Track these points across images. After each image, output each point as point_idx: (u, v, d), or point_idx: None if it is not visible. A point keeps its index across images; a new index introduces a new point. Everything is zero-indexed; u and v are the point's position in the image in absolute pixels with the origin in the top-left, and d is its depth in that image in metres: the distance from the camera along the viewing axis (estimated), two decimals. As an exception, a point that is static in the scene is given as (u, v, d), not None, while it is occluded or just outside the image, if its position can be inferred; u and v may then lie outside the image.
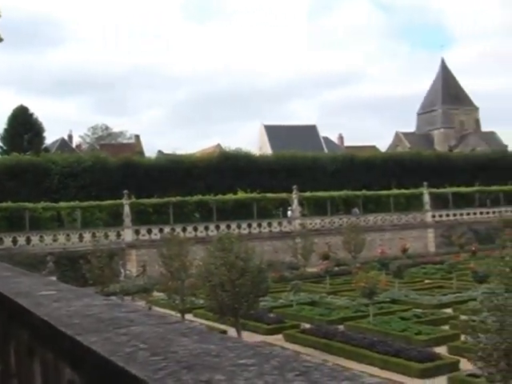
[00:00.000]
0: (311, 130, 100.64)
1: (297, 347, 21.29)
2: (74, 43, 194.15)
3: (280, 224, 53.34)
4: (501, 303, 9.69)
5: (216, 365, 1.69)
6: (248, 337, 22.41)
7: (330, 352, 20.41)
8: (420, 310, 26.44)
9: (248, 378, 1.53)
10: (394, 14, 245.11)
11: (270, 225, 52.47)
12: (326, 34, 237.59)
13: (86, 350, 2.13)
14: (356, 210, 59.26)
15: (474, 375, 14.57)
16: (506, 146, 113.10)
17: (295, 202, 54.39)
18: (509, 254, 10.22)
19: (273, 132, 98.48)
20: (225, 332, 24.17)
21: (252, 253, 22.15)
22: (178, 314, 26.11)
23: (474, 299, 19.70)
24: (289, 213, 56.35)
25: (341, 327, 23.91)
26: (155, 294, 34.00)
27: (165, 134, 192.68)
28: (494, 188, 68.56)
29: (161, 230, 47.00)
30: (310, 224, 53.24)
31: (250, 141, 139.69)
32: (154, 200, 52.01)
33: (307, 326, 24.50)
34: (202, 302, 27.38)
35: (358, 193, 60.09)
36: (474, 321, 11.27)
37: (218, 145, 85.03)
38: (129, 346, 2.03)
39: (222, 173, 59.03)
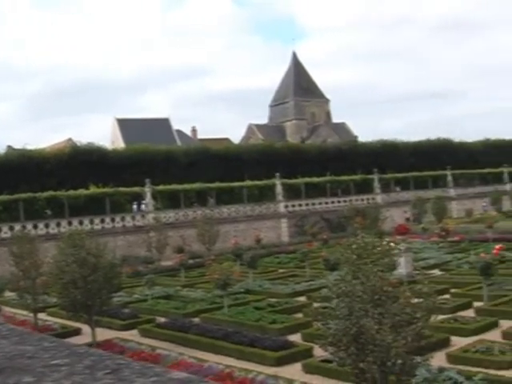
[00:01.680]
0: (164, 123, 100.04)
1: (153, 342, 21.06)
2: None
3: (133, 218, 52.65)
4: (349, 289, 9.89)
5: (27, 367, 1.56)
6: (102, 333, 21.99)
7: (186, 345, 20.29)
8: (274, 300, 26.73)
9: (57, 378, 1.42)
10: (247, 7, 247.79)
11: (123, 219, 51.69)
12: (179, 27, 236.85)
13: None
14: (212, 200, 59.32)
15: (327, 361, 14.85)
16: (356, 137, 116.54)
17: (148, 195, 53.88)
18: (356, 242, 10.41)
19: (125, 125, 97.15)
20: (79, 330, 23.74)
21: (104, 248, 21.71)
22: (31, 314, 25.31)
23: (326, 287, 20.06)
24: (134, 207, 55.52)
25: (196, 320, 23.87)
26: (7, 294, 32.81)
27: (15, 129, 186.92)
28: (344, 178, 70.40)
29: (11, 228, 45.39)
30: (164, 217, 52.86)
31: (103, 135, 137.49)
32: (3, 197, 50.11)
33: (162, 319, 24.29)
34: (55, 300, 26.64)
35: (211, 185, 60.20)
36: (325, 308, 11.44)
37: (70, 139, 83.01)
38: None
39: (74, 168, 57.59)
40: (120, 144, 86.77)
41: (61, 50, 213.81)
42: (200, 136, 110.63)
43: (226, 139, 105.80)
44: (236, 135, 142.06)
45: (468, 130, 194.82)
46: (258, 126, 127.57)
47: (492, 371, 14.59)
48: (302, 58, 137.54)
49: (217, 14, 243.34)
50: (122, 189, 55.23)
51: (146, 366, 1.46)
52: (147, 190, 53.97)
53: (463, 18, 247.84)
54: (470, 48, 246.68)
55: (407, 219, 62.34)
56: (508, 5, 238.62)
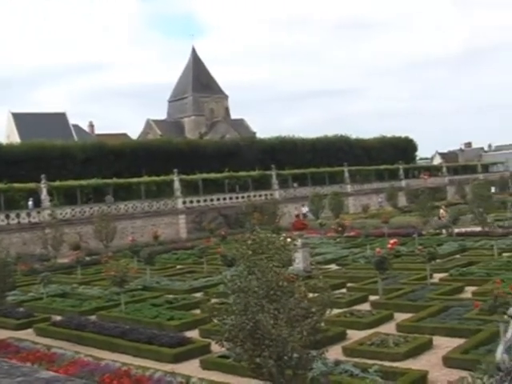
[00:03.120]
0: (61, 117, 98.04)
1: (48, 341, 20.56)
2: None
3: (29, 215, 51.35)
4: (244, 285, 9.87)
5: None
6: (-4, 333, 21.40)
7: (82, 343, 19.91)
8: (172, 296, 26.56)
9: None
10: (147, 2, 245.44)
11: (18, 216, 50.32)
12: (77, 21, 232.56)
13: None
14: (110, 196, 58.53)
15: (225, 356, 14.82)
16: (255, 133, 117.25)
17: (44, 191, 52.71)
18: (251, 238, 10.41)
19: (21, 120, 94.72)
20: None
21: (-4, 246, 21.14)
22: None
23: (223, 283, 20.09)
24: (30, 203, 54.15)
25: (93, 317, 23.47)
26: None
27: None
28: (242, 174, 70.75)
29: None
30: (61, 214, 51.88)
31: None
32: None
33: (58, 318, 23.78)
34: None
35: (108, 181, 59.48)
36: (222, 303, 11.39)
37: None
38: None
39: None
40: (15, 139, 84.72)
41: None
42: (98, 131, 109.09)
43: (124, 134, 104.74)
44: (135, 131, 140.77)
45: (365, 128, 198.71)
46: (156, 121, 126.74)
47: (387, 363, 14.85)
48: (201, 54, 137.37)
49: (117, 8, 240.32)
50: (16, 185, 53.91)
51: (13, 365, 1.36)
52: (43, 186, 52.79)
53: (362, 19, 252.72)
54: (369, 48, 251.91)
55: (304, 215, 62.88)
56: (405, 7, 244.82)
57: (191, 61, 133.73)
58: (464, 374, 11.81)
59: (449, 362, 14.83)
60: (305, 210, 65.03)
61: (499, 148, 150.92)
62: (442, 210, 46.58)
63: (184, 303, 24.74)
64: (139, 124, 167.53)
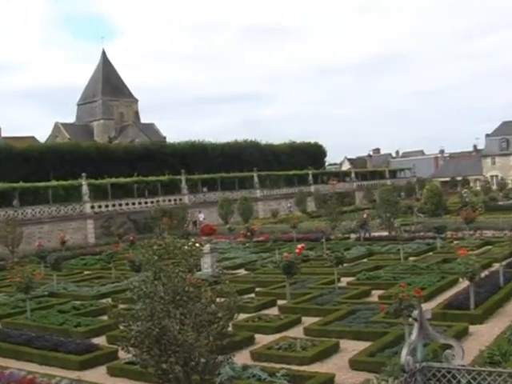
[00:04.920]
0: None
1: (-51, 351, 19.96)
2: None
3: None
4: (150, 291, 9.80)
5: None
6: None
7: (-14, 352, 19.42)
8: (79, 302, 26.17)
9: None
10: (57, 2, 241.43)
11: None
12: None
13: None
14: (16, 200, 57.15)
15: (132, 363, 14.66)
16: (165, 138, 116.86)
17: None
18: (157, 243, 10.35)
19: None
20: None
21: None
22: None
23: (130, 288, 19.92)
24: None
25: (-3, 325, 22.94)
26: None
27: None
28: (152, 178, 70.29)
29: None
30: (-36, 218, 50.51)
31: None
32: None
33: (-39, 326, 23.12)
34: None
35: (15, 185, 58.10)
36: (129, 309, 11.27)
37: None
38: None
39: None
40: None
41: None
42: (4, 134, 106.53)
43: (32, 137, 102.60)
44: (43, 134, 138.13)
45: (275, 133, 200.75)
46: (64, 124, 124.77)
47: (294, 367, 14.96)
48: (111, 57, 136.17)
49: (26, 8, 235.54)
50: None
51: None
52: None
53: (273, 26, 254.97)
54: (279, 54, 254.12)
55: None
56: (315, 15, 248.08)
57: (101, 64, 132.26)
58: (370, 376, 11.99)
59: (355, 364, 15.05)
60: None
61: (406, 154, 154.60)
62: (365, 214, 47.29)
63: (91, 309, 24.39)
64: (47, 127, 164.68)
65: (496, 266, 25.93)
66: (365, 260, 33.45)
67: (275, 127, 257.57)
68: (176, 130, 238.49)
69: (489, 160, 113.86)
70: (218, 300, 10.41)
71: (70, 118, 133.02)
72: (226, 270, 31.19)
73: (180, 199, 68.63)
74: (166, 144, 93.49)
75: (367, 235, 43.09)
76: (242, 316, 19.24)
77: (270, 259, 34.56)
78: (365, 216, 46.05)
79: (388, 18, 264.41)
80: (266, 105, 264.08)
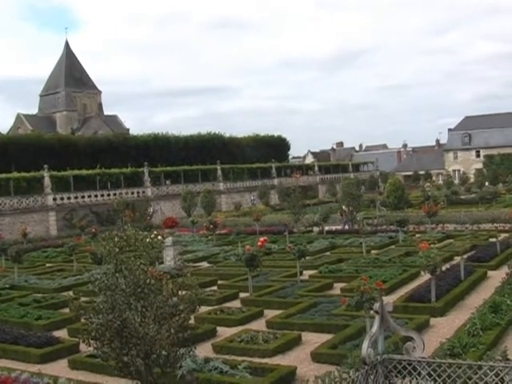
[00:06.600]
0: None
1: None
2: None
3: None
4: (111, 283, 9.77)
5: None
6: None
7: None
8: (40, 295, 25.97)
9: None
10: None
11: None
12: None
13: None
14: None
15: (93, 356, 14.59)
16: (128, 130, 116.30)
17: None
18: (118, 235, 10.31)
19: None
20: None
21: None
22: None
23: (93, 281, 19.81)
24: None
25: (-44, 318, 22.66)
26: None
27: None
28: (114, 171, 69.91)
29: None
30: None
31: None
32: None
33: None
34: None
35: (-25, 176, 57.55)
36: (90, 302, 11.23)
37: None
38: None
39: None
40: None
41: None
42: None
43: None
44: (5, 125, 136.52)
45: (239, 126, 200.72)
46: (26, 116, 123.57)
47: (256, 359, 14.99)
48: (75, 49, 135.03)
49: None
50: None
51: None
52: None
53: (237, 19, 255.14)
54: (243, 47, 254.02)
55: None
56: (278, 9, 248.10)
57: (64, 55, 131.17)
58: (332, 368, 11.98)
59: (317, 357, 15.11)
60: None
61: (369, 148, 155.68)
62: (344, 207, 47.36)
63: (52, 302, 24.21)
64: (9, 118, 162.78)
65: (457, 259, 26.13)
66: (327, 253, 33.59)
67: (239, 120, 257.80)
68: (139, 123, 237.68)
69: (451, 154, 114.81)
70: (180, 293, 10.41)
71: (33, 110, 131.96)
72: (188, 262, 31.13)
73: (143, 192, 68.34)
74: (129, 136, 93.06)
75: (347, 227, 43.34)
76: (204, 309, 19.26)
77: (232, 252, 34.51)
78: (344, 208, 46.05)
79: (352, 13, 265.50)
80: (230, 98, 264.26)
